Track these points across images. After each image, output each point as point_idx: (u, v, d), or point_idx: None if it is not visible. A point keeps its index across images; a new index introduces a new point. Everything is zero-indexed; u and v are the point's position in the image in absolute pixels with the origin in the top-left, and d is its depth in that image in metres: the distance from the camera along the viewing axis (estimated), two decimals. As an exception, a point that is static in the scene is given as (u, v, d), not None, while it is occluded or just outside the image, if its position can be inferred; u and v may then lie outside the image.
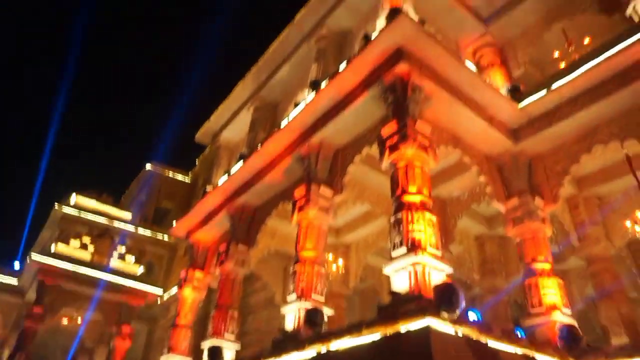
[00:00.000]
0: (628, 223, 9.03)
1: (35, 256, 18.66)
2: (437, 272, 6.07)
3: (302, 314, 7.60)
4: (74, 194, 22.90)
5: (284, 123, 10.18)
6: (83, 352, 20.65)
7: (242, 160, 11.81)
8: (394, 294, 5.98)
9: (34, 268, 18.74)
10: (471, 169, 9.16)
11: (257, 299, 15.76)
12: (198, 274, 13.20)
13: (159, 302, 21.63)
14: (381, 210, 10.94)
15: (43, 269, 18.35)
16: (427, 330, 4.98)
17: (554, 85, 8.61)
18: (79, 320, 20.50)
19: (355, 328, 5.99)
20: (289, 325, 7.85)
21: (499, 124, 9.09)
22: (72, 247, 19.59)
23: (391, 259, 6.46)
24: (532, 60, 11.31)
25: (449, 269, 6.20)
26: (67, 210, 22.18)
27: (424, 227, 6.37)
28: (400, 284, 6.11)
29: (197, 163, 25.64)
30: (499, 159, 9.39)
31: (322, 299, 8.03)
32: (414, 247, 6.16)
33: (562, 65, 10.16)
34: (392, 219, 6.71)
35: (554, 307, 7.65)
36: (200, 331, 15.01)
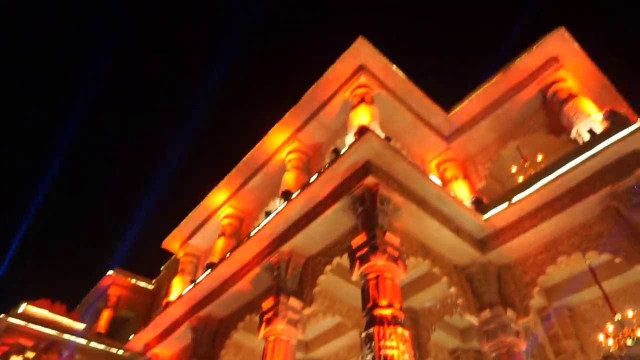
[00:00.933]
0: (601, 337, 8.94)
1: (-32, 375, 16.60)
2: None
3: None
4: (24, 303, 21.27)
5: (254, 231, 10.10)
6: None
7: (209, 269, 11.43)
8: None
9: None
10: (442, 280, 9.11)
11: None
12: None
13: None
14: (352, 324, 10.52)
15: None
16: None
17: (514, 199, 9.05)
18: None
19: None
20: None
21: (466, 235, 9.29)
22: (10, 365, 17.62)
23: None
24: (492, 174, 12.04)
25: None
26: (12, 320, 20.38)
27: (396, 343, 6.10)
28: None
29: (161, 270, 24.68)
30: (468, 269, 9.43)
31: None
32: (387, 371, 5.82)
33: (520, 179, 10.81)
34: (364, 335, 6.42)
35: None
36: None
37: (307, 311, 8.84)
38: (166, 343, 12.54)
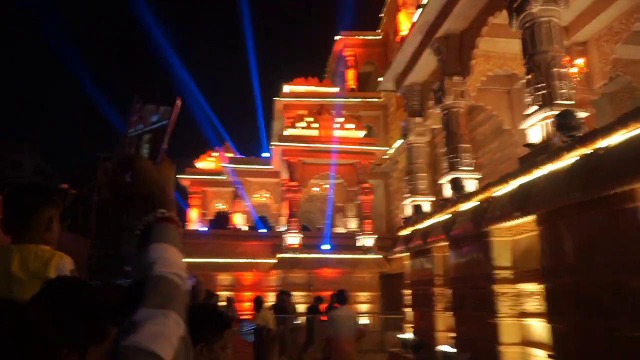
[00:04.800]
0: None
1: (275, 144, 21.71)
2: None
3: (549, 122, 6.71)
4: (285, 85, 25.15)
5: None
6: (336, 211, 24.13)
7: (433, -16, 10.46)
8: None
9: (278, 153, 21.95)
10: None
11: (484, 131, 14.98)
12: (418, 119, 13.16)
13: (386, 158, 23.07)
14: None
15: (285, 152, 21.34)
16: None
17: None
18: (326, 186, 23.74)
19: (630, 117, 4.91)
20: (535, 139, 7.11)
21: None
22: (300, 128, 21.96)
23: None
24: None
25: None
26: (285, 99, 24.70)
27: None
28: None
29: (382, 17, 24.49)
30: None
31: (571, 103, 6.90)
32: None
33: None
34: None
35: None
36: (431, 175, 15.46)
37: (568, -21, 7.34)
38: (414, 74, 12.99)
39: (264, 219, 28.19)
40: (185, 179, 26.39)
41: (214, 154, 27.85)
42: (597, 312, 5.09)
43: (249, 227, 25.61)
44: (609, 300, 4.87)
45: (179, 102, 1.10)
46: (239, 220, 25.11)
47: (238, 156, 26.90)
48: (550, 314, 6.02)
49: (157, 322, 0.80)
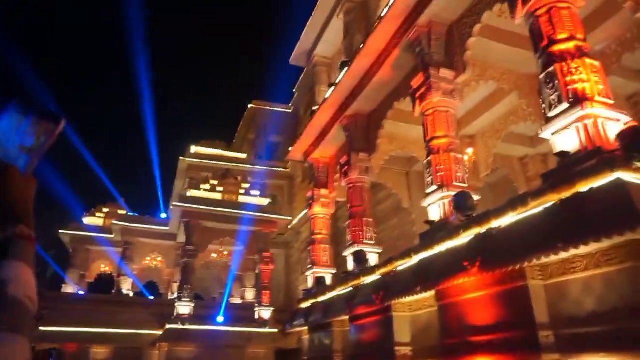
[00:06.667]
0: None
1: (176, 204, 20.63)
2: (613, 123, 5.12)
3: (447, 202, 7.19)
4: (192, 146, 24.59)
5: (384, 11, 9.26)
6: (234, 280, 23.05)
7: (345, 68, 11.23)
8: (562, 156, 5.21)
9: (178, 214, 20.81)
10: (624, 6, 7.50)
11: (384, 208, 15.73)
12: (323, 191, 13.42)
13: (289, 228, 22.97)
14: (509, 87, 9.74)
15: (185, 213, 20.30)
16: (619, 183, 4.23)
17: None
18: (225, 253, 22.76)
19: (518, 201, 5.42)
20: (434, 217, 7.54)
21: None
22: (203, 190, 21.25)
23: (546, 120, 5.64)
24: None
25: (627, 118, 5.20)
26: (190, 160, 24.01)
27: (586, 76, 5.35)
28: (566, 144, 5.29)
29: (295, 91, 25.62)
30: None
31: (465, 186, 7.51)
32: (577, 99, 5.23)
33: None
34: (542, 77, 5.76)
35: None
36: (334, 247, 15.60)
37: (461, 79, 8.30)
38: (322, 147, 13.48)
39: (154, 285, 25.92)
40: (66, 234, 23.66)
41: (104, 209, 25.58)
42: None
43: (135, 293, 23.26)
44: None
45: (63, 123, 1.12)
46: (125, 285, 22.74)
47: (131, 215, 24.98)
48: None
49: (5, 346, 0.80)
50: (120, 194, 28.01)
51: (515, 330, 5.02)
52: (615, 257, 4.28)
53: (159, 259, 24.46)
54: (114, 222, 23.17)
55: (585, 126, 5.11)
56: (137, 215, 25.21)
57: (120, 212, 24.71)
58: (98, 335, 18.36)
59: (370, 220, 11.08)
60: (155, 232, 23.86)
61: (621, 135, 4.47)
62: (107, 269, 25.00)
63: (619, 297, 4.20)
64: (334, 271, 12.75)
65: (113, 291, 22.68)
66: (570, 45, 5.60)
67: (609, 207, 4.18)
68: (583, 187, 4.61)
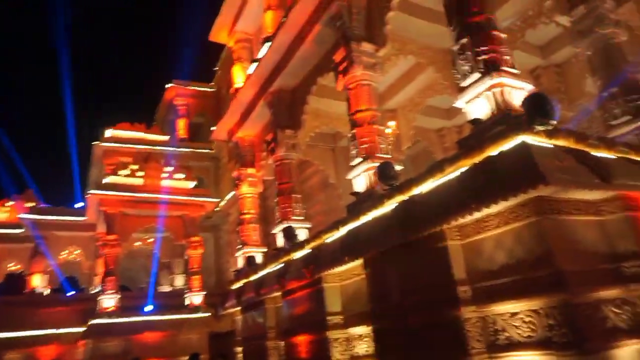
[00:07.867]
0: None
1: (92, 193, 19.30)
2: (519, 92, 5.50)
3: (372, 173, 7.38)
4: (107, 130, 23.02)
5: (304, -15, 9.14)
6: (162, 267, 22.23)
7: (268, 42, 11.01)
8: (475, 123, 5.52)
9: (95, 203, 19.51)
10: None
11: (312, 184, 15.87)
12: (250, 170, 13.23)
13: (216, 210, 22.49)
14: (427, 61, 10.12)
15: (103, 201, 19.07)
16: (523, 145, 4.57)
17: None
18: (150, 240, 21.83)
19: (436, 168, 5.68)
20: (360, 188, 7.71)
21: None
22: (123, 176, 20.05)
23: (460, 90, 5.94)
24: None
25: (530, 87, 5.61)
26: (106, 144, 22.50)
27: (495, 48, 5.68)
28: (478, 112, 5.62)
29: (217, 69, 24.78)
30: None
31: (389, 157, 7.74)
32: (488, 69, 5.54)
33: None
34: (456, 48, 6.02)
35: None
36: (263, 226, 15.53)
37: (382, 53, 8.47)
38: (247, 125, 13.20)
39: (74, 280, 24.28)
40: (-35, 233, 21.36)
41: (8, 203, 23.32)
42: (422, 347, 5.49)
43: (53, 290, 21.67)
44: (432, 334, 5.31)
45: None
46: (39, 283, 21.06)
47: (42, 206, 23.03)
48: (379, 355, 6.28)
49: None
50: (34, 184, 25.68)
51: (437, 288, 5.32)
52: (521, 213, 4.65)
53: (77, 251, 22.92)
54: (21, 215, 21.25)
55: (494, 94, 5.45)
56: (50, 206, 23.32)
57: (29, 204, 22.68)
58: (10, 340, 16.92)
59: (299, 196, 11.13)
60: (72, 224, 22.28)
61: (525, 102, 4.81)
62: (17, 267, 22.98)
63: (526, 250, 4.59)
64: (265, 250, 12.71)
65: (25, 291, 20.95)
66: (482, 18, 5.89)
67: (515, 168, 4.50)
68: (493, 151, 4.92)
